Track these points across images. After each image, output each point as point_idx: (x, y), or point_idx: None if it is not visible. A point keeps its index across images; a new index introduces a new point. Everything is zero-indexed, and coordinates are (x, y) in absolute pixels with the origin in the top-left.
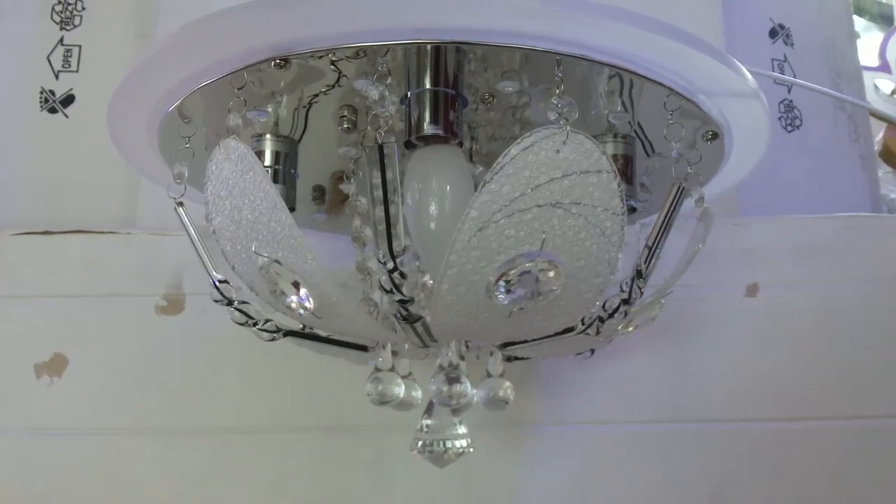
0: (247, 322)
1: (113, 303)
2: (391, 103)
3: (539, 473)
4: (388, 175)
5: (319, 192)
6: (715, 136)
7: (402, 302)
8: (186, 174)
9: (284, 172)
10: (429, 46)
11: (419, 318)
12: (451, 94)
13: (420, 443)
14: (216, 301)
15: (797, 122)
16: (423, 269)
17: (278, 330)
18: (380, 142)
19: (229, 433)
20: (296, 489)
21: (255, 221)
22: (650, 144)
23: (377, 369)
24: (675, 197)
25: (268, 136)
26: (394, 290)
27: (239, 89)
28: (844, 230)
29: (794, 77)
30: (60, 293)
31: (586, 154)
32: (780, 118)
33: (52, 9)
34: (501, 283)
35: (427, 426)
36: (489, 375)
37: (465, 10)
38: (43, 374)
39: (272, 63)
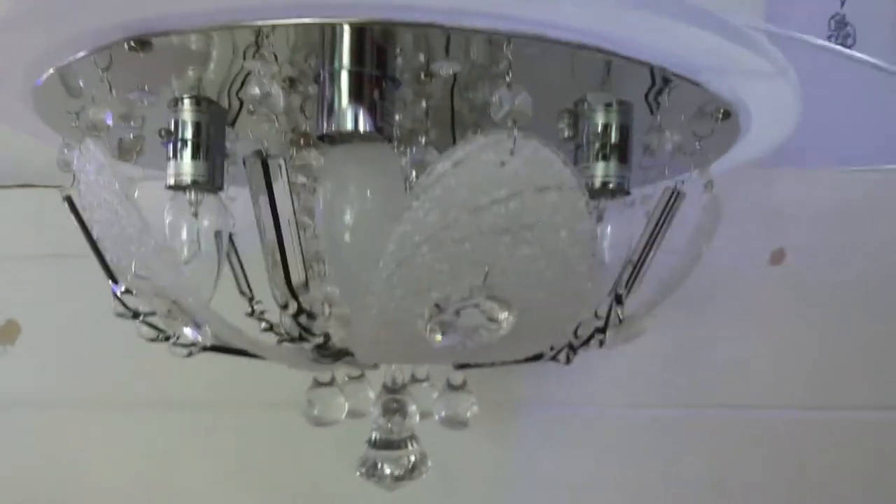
0: (158, 337)
1: (64, 264)
2: (282, 96)
3: (539, 457)
4: (278, 194)
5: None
6: (728, 114)
7: (318, 347)
8: (75, 160)
9: (207, 146)
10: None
11: (345, 353)
12: (376, 76)
13: (364, 464)
14: (119, 315)
15: (850, 42)
16: (334, 288)
17: (193, 344)
18: (263, 155)
19: (189, 408)
20: (259, 467)
21: (128, 242)
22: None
23: (316, 382)
24: (667, 205)
25: (186, 101)
26: (304, 334)
27: (103, 70)
28: (884, 185)
29: None
30: (8, 254)
31: (542, 166)
32: (829, 36)
33: None
34: (435, 324)
35: (377, 439)
36: (449, 387)
37: None
38: None
39: (126, 45)
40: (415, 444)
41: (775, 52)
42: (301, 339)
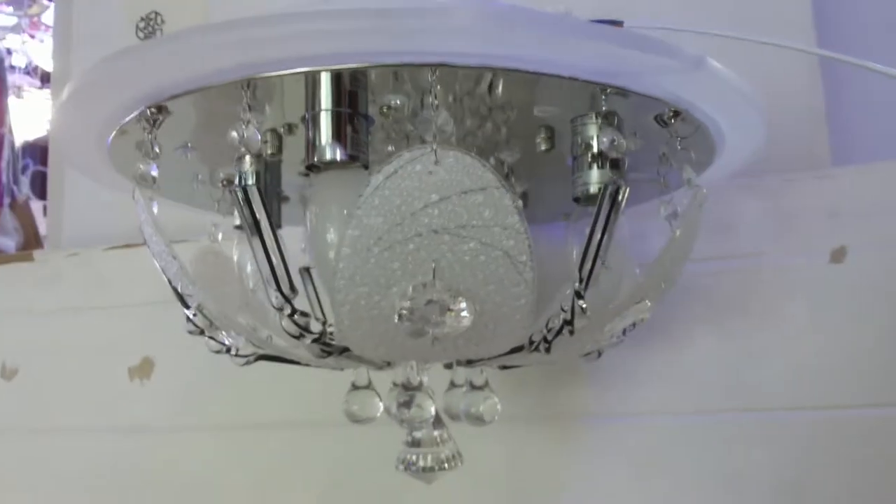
0: (220, 350)
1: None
2: (258, 137)
3: (589, 470)
4: (258, 217)
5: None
6: (677, 114)
7: (316, 341)
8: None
9: (266, 192)
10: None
11: (343, 348)
12: (348, 114)
13: (404, 458)
14: (190, 332)
15: None
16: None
17: (252, 354)
18: (243, 183)
19: (296, 427)
20: (362, 481)
21: (176, 275)
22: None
23: (353, 386)
24: (608, 201)
25: (247, 157)
26: (302, 333)
27: (148, 132)
28: None
29: None
30: (146, 301)
31: (466, 172)
32: None
33: (136, 26)
34: (403, 316)
35: (412, 439)
36: (471, 387)
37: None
38: (135, 377)
39: (148, 111)
40: (447, 443)
41: (678, 50)
42: (300, 336)
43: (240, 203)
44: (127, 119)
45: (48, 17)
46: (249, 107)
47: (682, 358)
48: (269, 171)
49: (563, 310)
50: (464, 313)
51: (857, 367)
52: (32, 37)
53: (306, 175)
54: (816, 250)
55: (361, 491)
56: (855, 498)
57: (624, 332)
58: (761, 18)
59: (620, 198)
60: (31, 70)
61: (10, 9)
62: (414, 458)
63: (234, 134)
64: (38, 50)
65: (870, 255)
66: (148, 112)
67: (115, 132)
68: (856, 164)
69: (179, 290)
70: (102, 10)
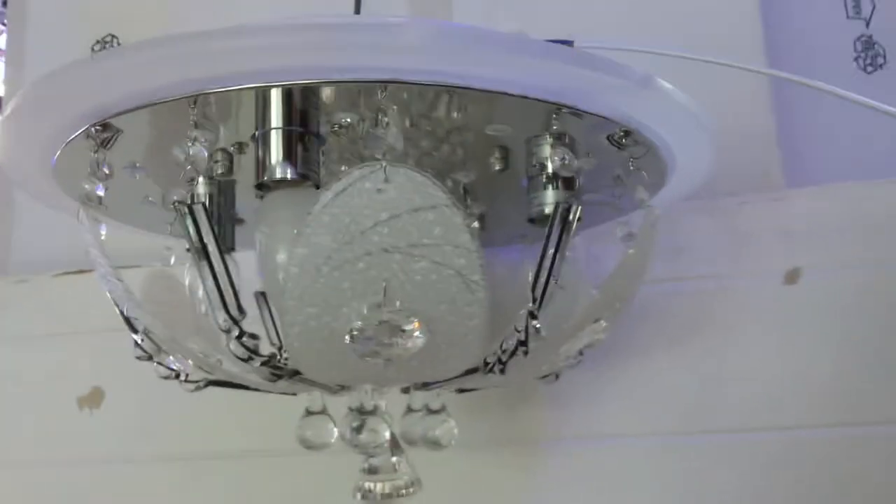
0: (169, 376)
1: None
2: (205, 155)
3: (551, 494)
4: (204, 237)
5: None
6: (627, 133)
7: (265, 364)
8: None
9: (219, 214)
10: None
11: (294, 371)
12: (299, 133)
13: (361, 487)
14: (138, 358)
15: (880, 61)
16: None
17: (201, 380)
18: (188, 202)
19: (252, 456)
20: None
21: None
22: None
23: (307, 412)
24: (560, 220)
25: (198, 178)
26: (251, 356)
27: (94, 152)
28: None
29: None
30: (96, 328)
31: (416, 189)
32: (857, 58)
33: (91, 49)
34: (354, 337)
35: (369, 467)
36: (428, 411)
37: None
38: (84, 407)
39: (93, 129)
40: (405, 468)
41: (626, 69)
42: (249, 359)
43: (186, 223)
44: (71, 137)
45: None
46: (196, 124)
47: (640, 380)
48: (222, 193)
49: (517, 330)
50: (416, 334)
51: (814, 388)
52: None
53: (262, 198)
54: (771, 272)
55: None
56: None
57: (580, 353)
58: (712, 41)
59: (572, 216)
60: None
61: None
62: (371, 486)
63: (179, 152)
64: None
65: (824, 276)
66: (93, 130)
67: (60, 151)
68: (809, 186)
69: (125, 313)
70: (57, 33)
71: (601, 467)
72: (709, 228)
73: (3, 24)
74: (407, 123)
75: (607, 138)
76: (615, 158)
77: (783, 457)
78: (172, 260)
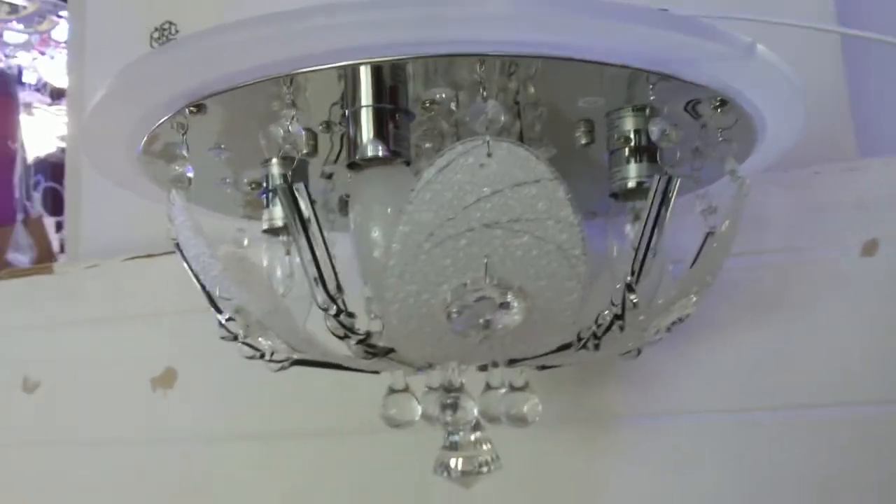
0: (254, 356)
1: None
2: (302, 133)
3: (623, 471)
4: (305, 215)
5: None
6: (724, 103)
7: (361, 342)
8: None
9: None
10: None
11: (388, 350)
12: (390, 110)
13: (442, 462)
14: (222, 338)
15: None
16: (372, 298)
17: (287, 359)
18: (287, 183)
19: (320, 436)
20: (392, 487)
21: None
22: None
23: (391, 390)
24: (661, 191)
25: (273, 160)
26: (348, 333)
27: (183, 134)
28: None
29: None
30: (168, 310)
31: (518, 164)
32: None
33: (151, 37)
34: (453, 313)
35: (450, 443)
36: (511, 388)
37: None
38: (157, 388)
39: (187, 110)
40: (486, 446)
41: (729, 36)
42: (346, 336)
43: (286, 201)
44: (162, 120)
45: (58, 34)
46: (293, 103)
47: (717, 356)
48: (296, 175)
49: (612, 304)
50: (515, 310)
51: (888, 363)
52: (43, 53)
53: (328, 178)
54: (848, 244)
55: (392, 498)
56: (894, 495)
57: (670, 327)
58: (781, 8)
59: (672, 189)
60: (41, 87)
61: (21, 26)
62: (452, 462)
63: (280, 131)
64: (49, 66)
65: None
66: (186, 111)
67: (147, 137)
68: (883, 156)
69: (217, 293)
70: (116, 22)
71: (676, 444)
72: (783, 200)
73: (60, 16)
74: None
75: (689, 109)
76: (693, 130)
77: (861, 432)
78: (246, 242)
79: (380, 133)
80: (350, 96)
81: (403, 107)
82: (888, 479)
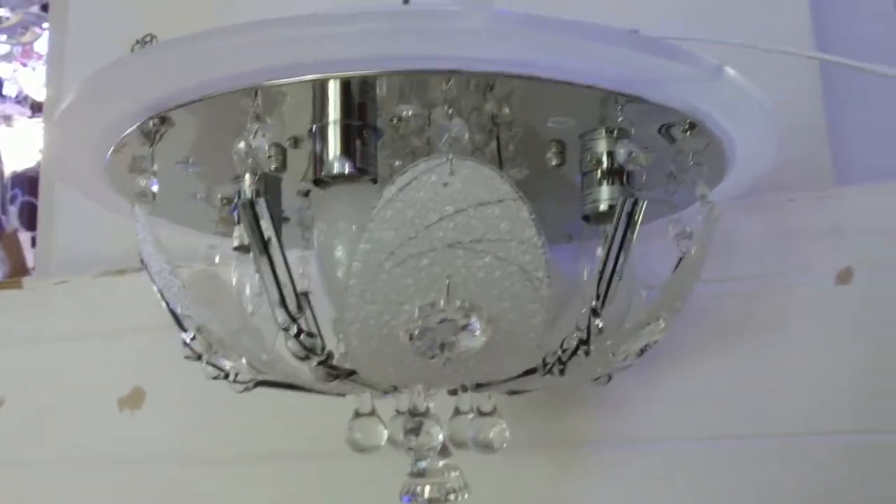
0: (218, 376)
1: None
2: (265, 147)
3: (595, 496)
4: (265, 232)
5: None
6: (693, 126)
7: (321, 363)
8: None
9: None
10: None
11: (350, 371)
12: (358, 126)
13: (409, 490)
14: (186, 358)
15: None
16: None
17: (251, 380)
18: (246, 198)
19: (289, 459)
20: None
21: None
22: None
23: (357, 413)
24: (625, 215)
25: (247, 173)
26: (308, 354)
27: (149, 146)
28: None
29: None
30: (137, 328)
31: (482, 183)
32: None
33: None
34: (415, 335)
35: (417, 470)
36: (479, 413)
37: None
38: (124, 408)
39: (150, 122)
40: (454, 473)
41: (697, 58)
42: (307, 358)
43: (246, 218)
44: (128, 131)
45: (40, 46)
46: (257, 116)
47: (687, 382)
48: (269, 191)
49: (578, 329)
50: (478, 332)
51: (866, 392)
52: (24, 65)
53: (305, 195)
54: (822, 271)
55: None
56: None
57: (642, 352)
58: (760, 33)
59: (638, 212)
60: (21, 99)
61: (3, 37)
62: (419, 489)
63: (242, 145)
64: (30, 79)
65: (877, 275)
66: (150, 123)
67: (113, 147)
68: (859, 184)
69: (178, 311)
70: (96, 35)
71: (647, 470)
72: (756, 226)
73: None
74: (466, 118)
75: (663, 133)
76: (668, 154)
77: (831, 461)
78: (217, 259)
79: (347, 150)
80: (318, 111)
81: (372, 124)
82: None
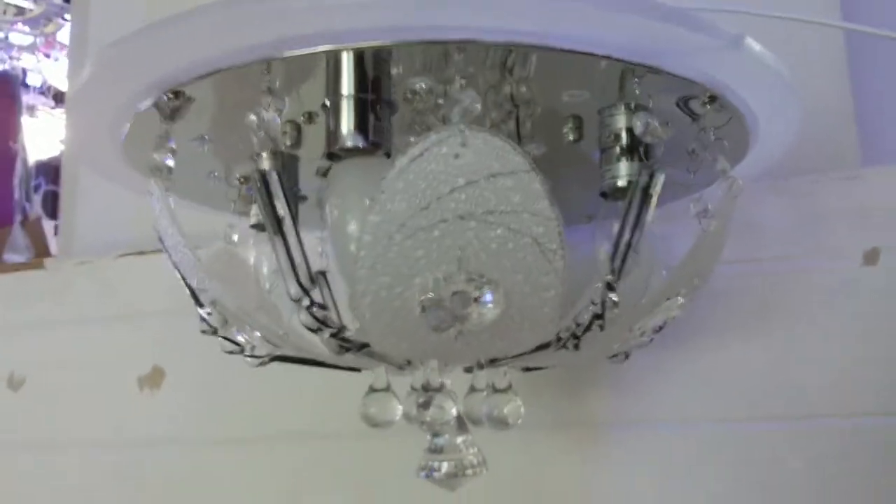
0: (234, 350)
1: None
2: (278, 121)
3: (610, 477)
4: (277, 205)
5: None
6: (712, 99)
7: (334, 336)
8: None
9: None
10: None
11: (363, 344)
12: (372, 100)
13: (425, 465)
14: (203, 332)
15: None
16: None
17: (266, 355)
18: (260, 169)
19: (311, 438)
20: (381, 493)
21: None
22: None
23: (371, 389)
24: (641, 187)
25: (264, 154)
26: (321, 326)
27: (163, 122)
28: None
29: None
30: (158, 308)
31: (494, 154)
32: None
33: None
34: (426, 307)
35: (434, 446)
36: (493, 390)
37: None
38: (144, 387)
39: (164, 97)
40: (472, 449)
41: (716, 27)
42: (318, 330)
43: (260, 196)
44: (142, 107)
45: (63, 36)
46: (269, 90)
47: (709, 363)
48: (286, 169)
49: (592, 303)
50: (490, 305)
51: (887, 374)
52: (48, 56)
53: (324, 175)
54: (848, 252)
55: (384, 502)
56: None
57: (660, 328)
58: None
59: (654, 185)
60: (45, 90)
61: (26, 28)
62: (436, 464)
63: (253, 117)
64: (53, 69)
65: None
66: (164, 98)
67: (129, 124)
68: (886, 165)
69: (194, 286)
70: (119, 25)
71: (665, 452)
72: (781, 208)
73: (65, 19)
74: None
75: (682, 107)
76: (690, 132)
77: (853, 445)
78: (235, 237)
79: (360, 123)
80: (331, 85)
81: (386, 98)
82: (885, 491)
